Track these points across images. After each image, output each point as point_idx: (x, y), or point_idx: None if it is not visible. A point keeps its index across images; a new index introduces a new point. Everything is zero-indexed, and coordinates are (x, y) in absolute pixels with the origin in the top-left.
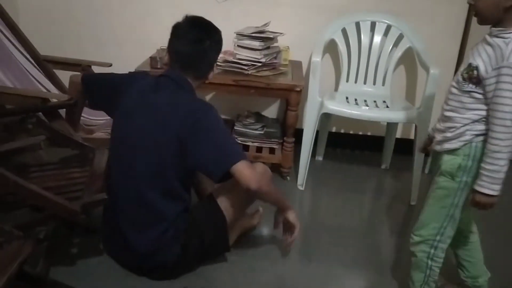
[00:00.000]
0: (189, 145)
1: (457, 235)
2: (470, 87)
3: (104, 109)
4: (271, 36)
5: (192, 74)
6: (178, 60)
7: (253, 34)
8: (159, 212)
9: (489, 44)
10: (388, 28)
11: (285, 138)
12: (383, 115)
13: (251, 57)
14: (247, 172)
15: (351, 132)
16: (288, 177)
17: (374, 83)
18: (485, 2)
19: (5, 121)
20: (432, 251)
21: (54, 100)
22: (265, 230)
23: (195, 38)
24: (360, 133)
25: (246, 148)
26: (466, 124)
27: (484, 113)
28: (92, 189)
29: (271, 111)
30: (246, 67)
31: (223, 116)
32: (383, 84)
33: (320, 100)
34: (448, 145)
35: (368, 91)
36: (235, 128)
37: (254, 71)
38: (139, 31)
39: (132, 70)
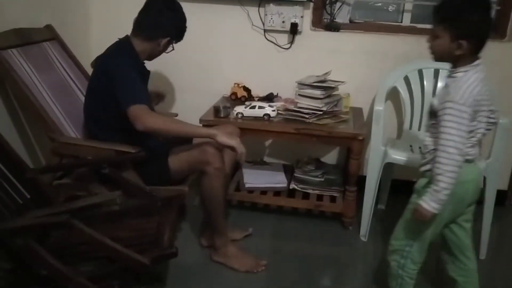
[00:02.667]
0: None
1: (452, 257)
2: (433, 120)
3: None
4: (333, 85)
5: (141, 36)
6: (133, 25)
7: (314, 84)
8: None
9: (445, 83)
10: None
11: (347, 186)
12: None
13: (312, 105)
14: (136, 113)
15: (414, 179)
16: (350, 227)
17: None
18: (439, 46)
19: (79, 170)
20: (402, 261)
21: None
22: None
23: (147, 3)
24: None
25: (306, 195)
26: (433, 149)
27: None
28: (161, 242)
29: (331, 157)
30: (307, 116)
31: (282, 162)
32: None
33: (383, 149)
34: (423, 168)
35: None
36: (295, 175)
37: (315, 119)
38: (203, 81)
39: (197, 119)
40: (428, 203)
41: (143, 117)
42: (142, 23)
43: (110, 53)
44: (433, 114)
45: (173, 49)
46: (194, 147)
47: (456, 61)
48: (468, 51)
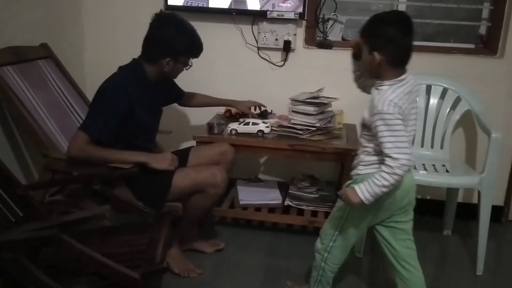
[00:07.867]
0: None
1: (389, 263)
2: (365, 131)
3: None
4: (326, 101)
5: (144, 59)
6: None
7: (308, 100)
8: None
9: (372, 96)
10: (445, 91)
11: None
12: (443, 180)
13: (305, 122)
14: (73, 138)
15: (418, 196)
16: None
17: (432, 146)
18: (364, 60)
19: (72, 187)
20: (326, 255)
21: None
22: None
23: (150, 23)
24: (419, 196)
25: (301, 212)
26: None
27: (371, 148)
28: (152, 257)
29: (326, 173)
30: (300, 132)
31: (276, 179)
32: (442, 147)
33: None
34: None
35: (426, 154)
36: (290, 191)
37: (308, 135)
38: None
39: (191, 138)
40: (363, 191)
41: (75, 144)
42: (144, 45)
43: (114, 73)
44: (365, 126)
45: (191, 65)
46: (203, 168)
47: (381, 76)
48: (384, 63)
